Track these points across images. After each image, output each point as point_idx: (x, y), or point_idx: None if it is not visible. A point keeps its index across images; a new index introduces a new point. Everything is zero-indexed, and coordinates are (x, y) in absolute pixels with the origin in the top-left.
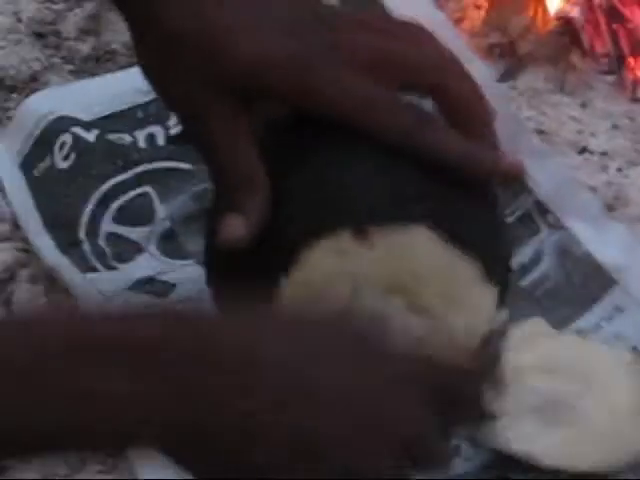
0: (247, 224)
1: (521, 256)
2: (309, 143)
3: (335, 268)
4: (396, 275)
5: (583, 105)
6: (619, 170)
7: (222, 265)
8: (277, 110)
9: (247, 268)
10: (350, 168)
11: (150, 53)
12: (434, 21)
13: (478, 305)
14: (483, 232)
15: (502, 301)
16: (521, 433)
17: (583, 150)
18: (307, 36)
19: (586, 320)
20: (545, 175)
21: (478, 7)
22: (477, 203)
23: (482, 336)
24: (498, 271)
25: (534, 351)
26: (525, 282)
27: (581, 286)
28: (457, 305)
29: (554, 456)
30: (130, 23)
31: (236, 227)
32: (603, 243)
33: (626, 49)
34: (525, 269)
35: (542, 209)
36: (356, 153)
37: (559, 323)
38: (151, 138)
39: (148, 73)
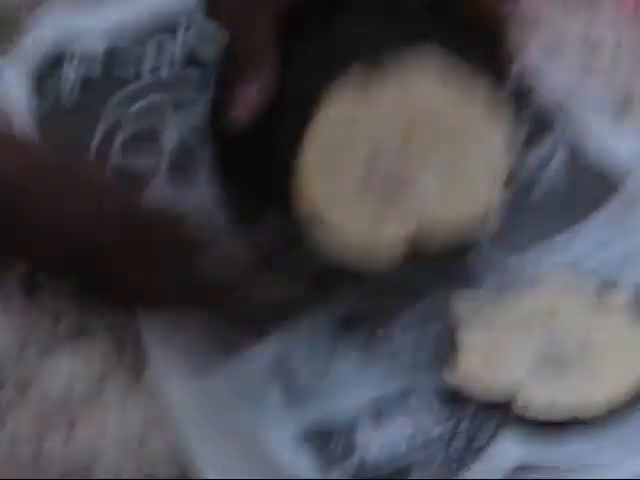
0: (258, 91)
1: (535, 153)
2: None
3: (352, 114)
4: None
5: None
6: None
7: (230, 142)
8: None
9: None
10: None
11: None
12: None
13: (491, 140)
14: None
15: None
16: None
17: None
18: None
19: (602, 213)
20: (559, 74)
21: None
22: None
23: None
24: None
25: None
26: (536, 181)
27: (594, 184)
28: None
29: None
30: None
31: (247, 96)
32: (617, 143)
33: None
34: (540, 166)
35: (556, 104)
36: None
37: (571, 218)
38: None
39: None
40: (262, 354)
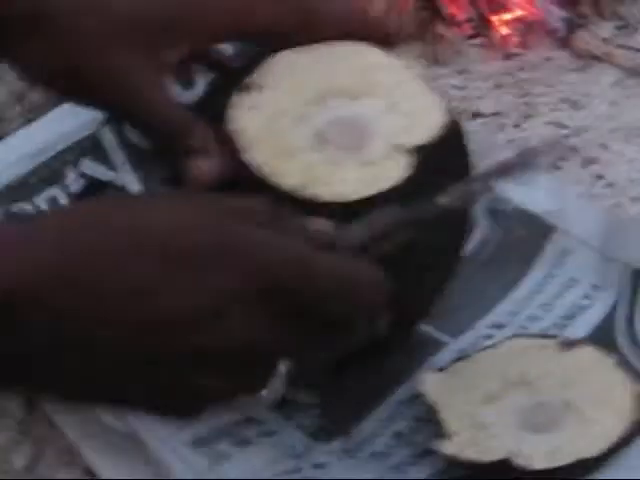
0: (215, 162)
1: None
2: None
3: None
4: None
5: (461, 72)
6: (516, 126)
7: None
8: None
9: None
10: None
11: (46, 49)
12: None
13: None
14: None
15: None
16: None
17: (476, 115)
18: None
19: (537, 271)
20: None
21: None
22: None
23: None
24: None
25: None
26: (467, 251)
27: (522, 240)
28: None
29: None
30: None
31: (206, 168)
32: (531, 195)
33: (485, 9)
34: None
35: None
36: None
37: (510, 282)
38: (53, 201)
39: (52, 74)
40: None
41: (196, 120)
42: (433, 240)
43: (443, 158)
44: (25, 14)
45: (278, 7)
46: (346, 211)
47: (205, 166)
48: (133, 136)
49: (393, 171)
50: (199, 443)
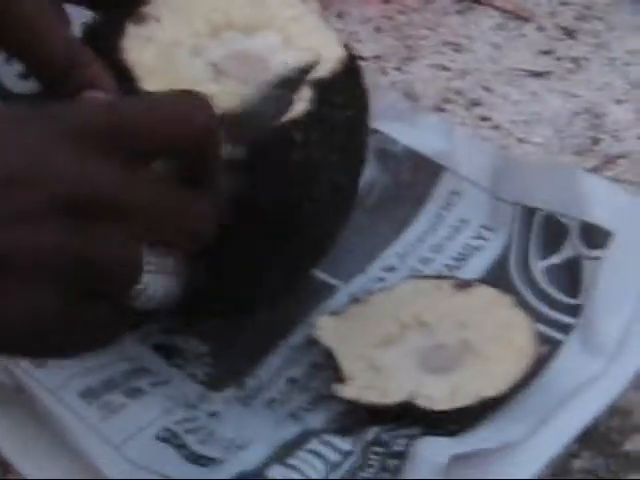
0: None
1: None
2: None
3: None
4: None
5: (340, 15)
6: (397, 69)
7: None
8: None
9: None
10: None
11: None
12: None
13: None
14: None
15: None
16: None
17: (358, 58)
18: None
19: (426, 213)
20: None
21: None
22: None
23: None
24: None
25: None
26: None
27: (411, 182)
28: None
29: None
30: None
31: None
32: (419, 135)
33: None
34: None
35: None
36: None
37: (400, 224)
38: None
39: None
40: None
41: (88, 51)
42: (334, 183)
43: (340, 92)
44: None
45: None
46: None
47: (99, 98)
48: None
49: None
50: (89, 394)
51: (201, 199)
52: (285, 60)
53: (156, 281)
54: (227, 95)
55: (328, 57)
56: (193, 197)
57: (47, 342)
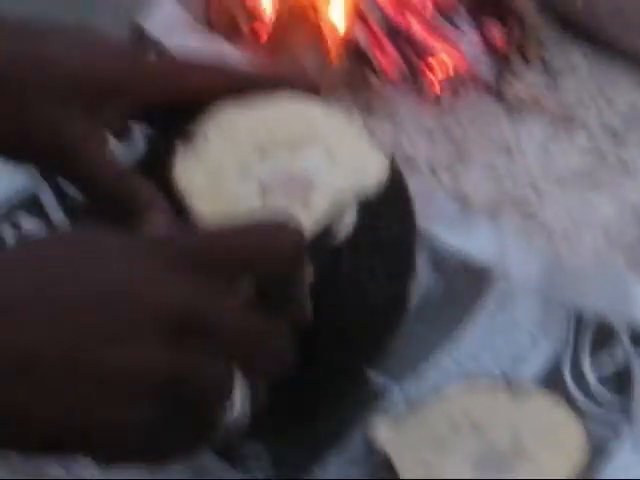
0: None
1: None
2: None
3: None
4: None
5: (393, 121)
6: (449, 173)
7: None
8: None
9: None
10: None
11: None
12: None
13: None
14: None
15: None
16: None
17: (409, 163)
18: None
19: (479, 317)
20: None
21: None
22: None
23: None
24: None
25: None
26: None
27: (464, 287)
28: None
29: None
30: None
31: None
32: (471, 243)
33: (416, 59)
34: None
35: None
36: None
37: (453, 328)
38: None
39: None
40: None
41: (140, 179)
42: (383, 286)
43: (386, 205)
44: None
45: (209, 72)
46: None
47: (154, 225)
48: (71, 191)
49: (333, 221)
50: None
51: (283, 322)
52: (330, 181)
53: (240, 397)
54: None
55: (373, 171)
56: (277, 320)
57: (133, 450)
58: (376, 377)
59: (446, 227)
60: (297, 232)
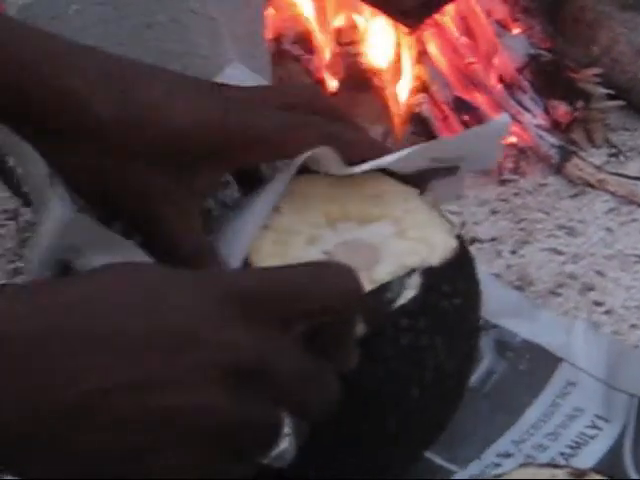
0: None
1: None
2: None
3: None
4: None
5: (457, 198)
6: (513, 252)
7: None
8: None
9: None
10: None
11: (80, 161)
12: None
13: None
14: None
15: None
16: None
17: (473, 241)
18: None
19: (542, 401)
20: None
21: None
22: None
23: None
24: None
25: None
26: (471, 382)
27: (528, 372)
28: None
29: None
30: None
31: None
32: (536, 328)
33: None
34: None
35: None
36: None
37: (515, 411)
38: None
39: (80, 182)
40: None
41: (212, 251)
42: (441, 369)
43: (450, 280)
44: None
45: (305, 132)
46: None
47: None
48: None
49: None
50: None
51: (330, 369)
52: (396, 253)
53: (287, 443)
54: None
55: (439, 247)
56: (324, 367)
57: None
58: (438, 459)
59: (513, 317)
60: (355, 280)
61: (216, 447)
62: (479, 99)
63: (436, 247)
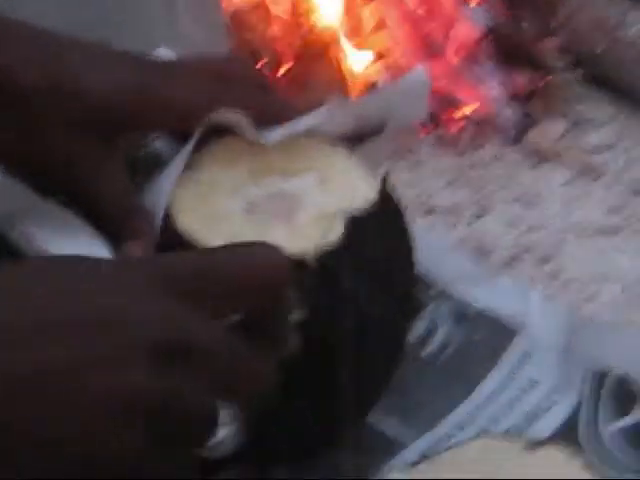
0: (146, 247)
1: (416, 330)
2: None
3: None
4: None
5: (413, 168)
6: (469, 224)
7: None
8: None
9: None
10: None
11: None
12: None
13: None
14: None
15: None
16: None
17: (430, 211)
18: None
19: (497, 373)
20: (418, 249)
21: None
22: None
23: None
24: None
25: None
26: (425, 352)
27: (484, 342)
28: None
29: None
30: None
31: (137, 252)
32: (494, 300)
33: (438, 106)
34: (423, 341)
35: (423, 283)
36: None
37: (471, 383)
38: None
39: (3, 153)
40: None
41: (138, 205)
42: (367, 316)
43: (372, 231)
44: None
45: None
46: None
47: (135, 250)
48: None
49: (317, 237)
50: None
51: (262, 356)
52: (318, 201)
53: (226, 433)
54: (255, 227)
55: (361, 197)
56: (256, 353)
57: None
58: (390, 430)
59: (468, 286)
60: (282, 257)
61: (144, 431)
62: (437, 69)
63: (358, 197)
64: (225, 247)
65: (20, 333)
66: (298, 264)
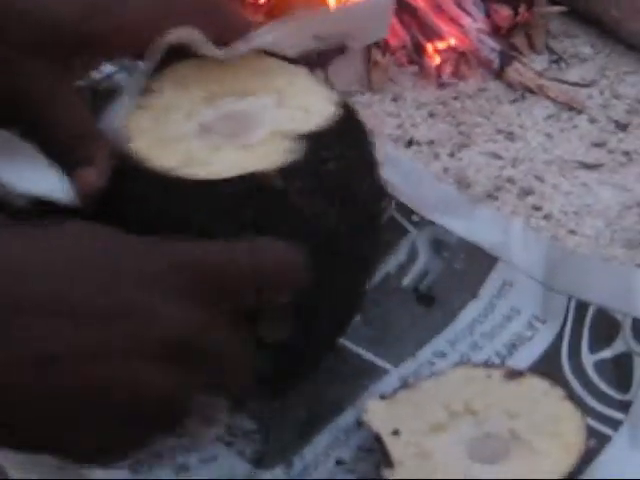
0: (99, 174)
1: (395, 259)
2: None
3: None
4: None
5: (394, 99)
6: (451, 155)
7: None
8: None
9: None
10: None
11: None
12: None
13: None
14: None
15: None
16: None
17: (410, 143)
18: None
19: (479, 301)
20: (400, 177)
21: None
22: None
23: None
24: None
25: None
26: (406, 281)
27: (464, 271)
28: None
29: None
30: None
31: (91, 179)
32: (474, 228)
33: (420, 38)
34: (403, 269)
35: (405, 210)
36: None
37: (452, 311)
38: None
39: None
40: None
41: (93, 130)
42: (327, 233)
43: (330, 147)
44: None
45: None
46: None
47: (89, 177)
48: None
49: (274, 154)
50: (137, 468)
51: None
52: (275, 117)
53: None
54: (208, 147)
55: (319, 113)
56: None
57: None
58: (371, 357)
59: (449, 215)
60: (295, 254)
61: (181, 364)
62: (420, 2)
63: (315, 114)
64: (245, 242)
65: (29, 310)
66: (258, 182)
